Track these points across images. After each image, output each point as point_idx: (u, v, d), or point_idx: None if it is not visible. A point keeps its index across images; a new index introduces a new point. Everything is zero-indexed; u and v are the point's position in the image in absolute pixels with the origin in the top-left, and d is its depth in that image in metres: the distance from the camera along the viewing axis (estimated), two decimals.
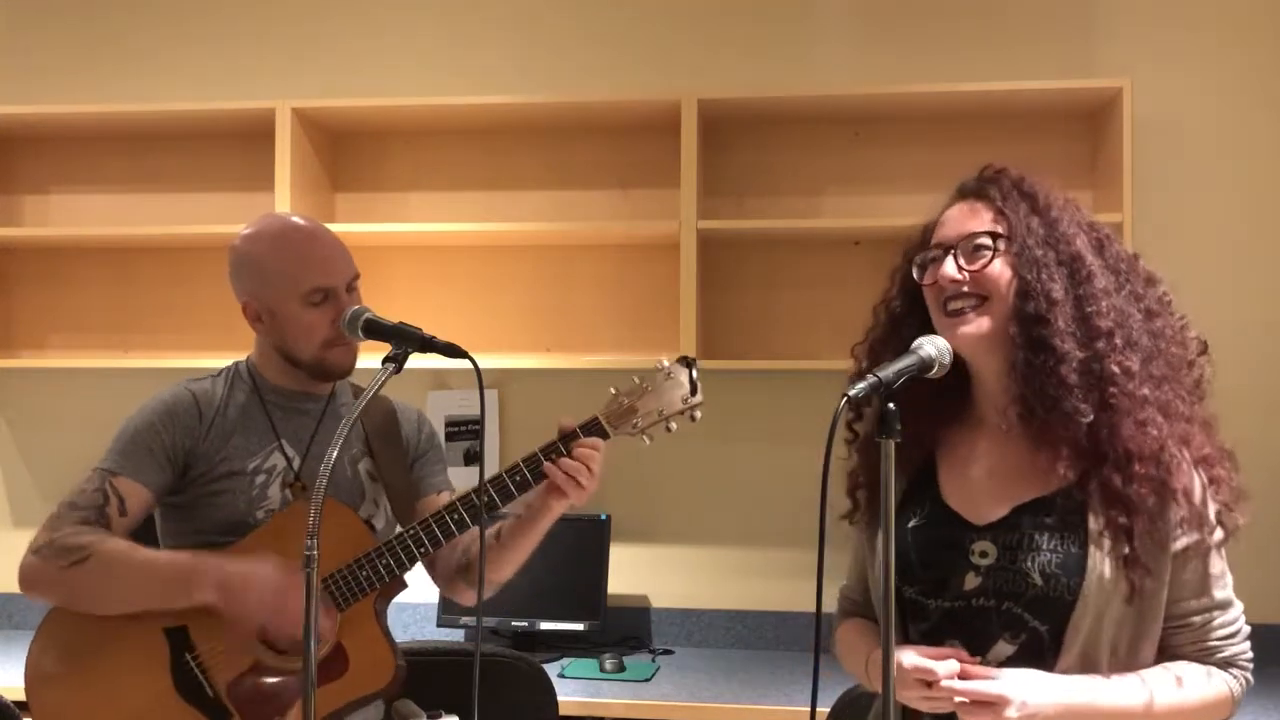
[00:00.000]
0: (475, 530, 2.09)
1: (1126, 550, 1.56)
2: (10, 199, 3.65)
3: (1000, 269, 1.64)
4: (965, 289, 1.65)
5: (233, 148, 3.50)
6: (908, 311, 1.75)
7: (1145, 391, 1.59)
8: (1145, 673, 1.60)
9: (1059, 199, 1.70)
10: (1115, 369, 1.58)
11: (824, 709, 2.22)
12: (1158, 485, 1.58)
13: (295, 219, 2.16)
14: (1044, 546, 1.60)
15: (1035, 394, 1.60)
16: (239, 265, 2.12)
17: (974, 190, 1.72)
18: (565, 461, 1.98)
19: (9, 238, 3.52)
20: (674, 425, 2.02)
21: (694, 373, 2.00)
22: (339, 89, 3.47)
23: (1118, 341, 1.60)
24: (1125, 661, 1.60)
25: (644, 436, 2.02)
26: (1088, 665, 1.59)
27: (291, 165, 3.26)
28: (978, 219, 1.68)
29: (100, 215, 3.59)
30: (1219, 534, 1.62)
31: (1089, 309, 1.61)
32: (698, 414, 2.02)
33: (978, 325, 1.64)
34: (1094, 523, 1.59)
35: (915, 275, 1.71)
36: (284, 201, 3.24)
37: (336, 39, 3.54)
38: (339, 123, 3.45)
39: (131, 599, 1.97)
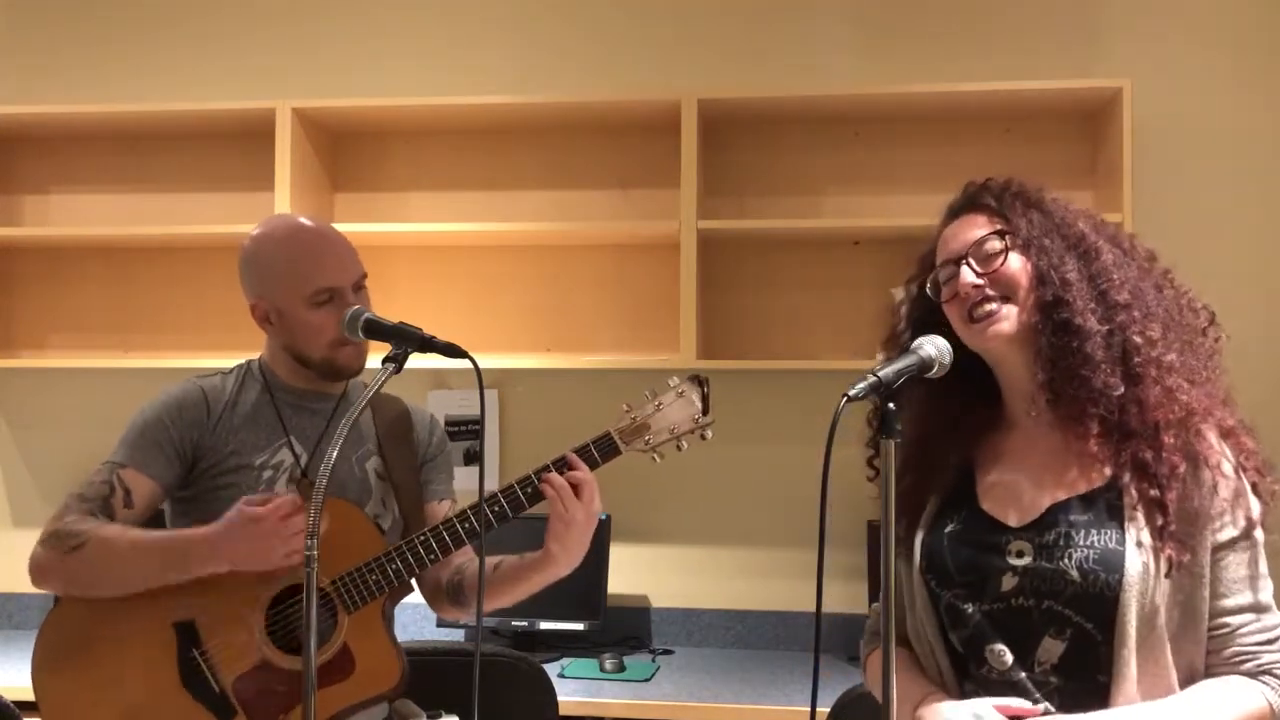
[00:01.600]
0: (469, 549, 2.12)
1: (1160, 522, 1.55)
2: (10, 199, 3.65)
3: (1016, 264, 1.66)
4: (988, 292, 1.66)
5: (233, 148, 3.50)
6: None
7: (1171, 357, 1.61)
8: (1163, 702, 1.56)
9: (1049, 193, 1.73)
10: (1138, 339, 1.60)
11: (824, 709, 2.22)
12: (1189, 453, 1.58)
13: (303, 220, 2.17)
14: (1080, 543, 1.60)
15: (1064, 375, 1.61)
16: (247, 266, 2.13)
17: (964, 205, 1.74)
18: (550, 476, 2.00)
19: (9, 238, 3.52)
20: (685, 444, 2.05)
21: (706, 391, 2.03)
22: (339, 89, 3.47)
23: (1136, 313, 1.62)
24: (1181, 673, 1.58)
25: (655, 454, 2.05)
26: (1150, 665, 1.56)
27: (291, 165, 3.26)
28: (977, 226, 1.70)
29: (100, 215, 3.59)
30: (1257, 532, 1.60)
31: (1103, 284, 1.63)
32: (708, 433, 2.05)
33: (1007, 322, 1.65)
34: (1129, 509, 1.58)
35: (932, 294, 1.72)
36: (284, 201, 3.24)
37: (336, 39, 3.55)
38: (339, 123, 3.45)
39: (131, 578, 1.97)
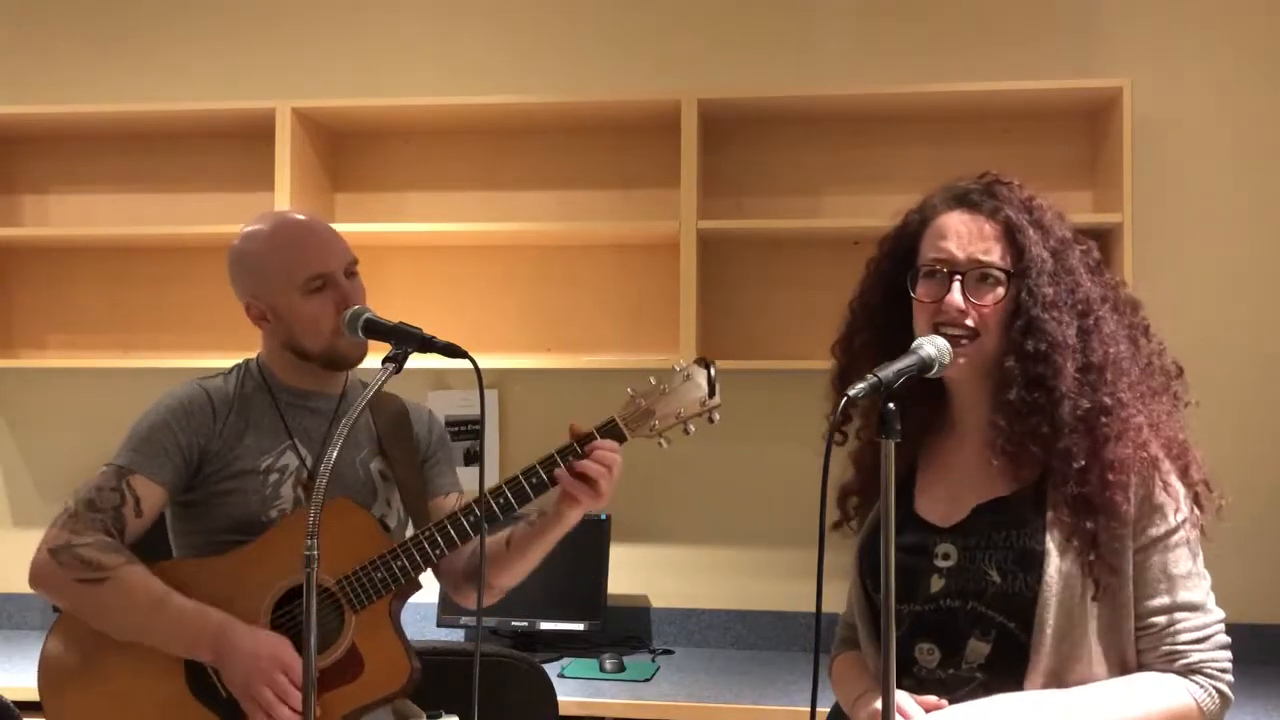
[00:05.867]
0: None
1: (1092, 556, 1.57)
2: (10, 199, 3.64)
3: (1001, 303, 1.64)
4: (966, 322, 1.64)
5: (233, 148, 3.50)
6: (884, 307, 1.76)
7: (1140, 419, 1.60)
8: (1087, 688, 1.58)
9: (1054, 216, 1.69)
10: (1109, 402, 1.59)
11: (824, 709, 2.21)
12: (1130, 492, 1.58)
13: (288, 213, 2.17)
14: (1000, 544, 1.62)
15: (1029, 432, 1.60)
16: (236, 266, 2.12)
17: (976, 203, 1.68)
18: (584, 464, 1.95)
19: (9, 238, 3.52)
20: (692, 428, 2.00)
21: (712, 373, 1.98)
22: (339, 89, 3.47)
23: (1109, 375, 1.60)
24: (1113, 667, 1.60)
25: (661, 440, 2.00)
26: (1070, 665, 1.58)
27: (291, 165, 3.26)
28: (985, 244, 1.65)
29: (100, 215, 3.59)
30: (1185, 532, 1.61)
31: (1094, 354, 1.61)
32: (716, 416, 1.99)
33: (966, 358, 1.64)
34: (1053, 522, 1.60)
35: (910, 288, 1.70)
36: (284, 201, 3.24)
37: (336, 39, 3.54)
38: (339, 123, 3.45)
39: (136, 634, 1.96)
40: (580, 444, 1.97)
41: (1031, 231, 1.64)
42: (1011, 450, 1.62)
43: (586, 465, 1.95)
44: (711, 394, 1.98)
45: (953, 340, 1.62)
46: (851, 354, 1.78)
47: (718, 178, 3.36)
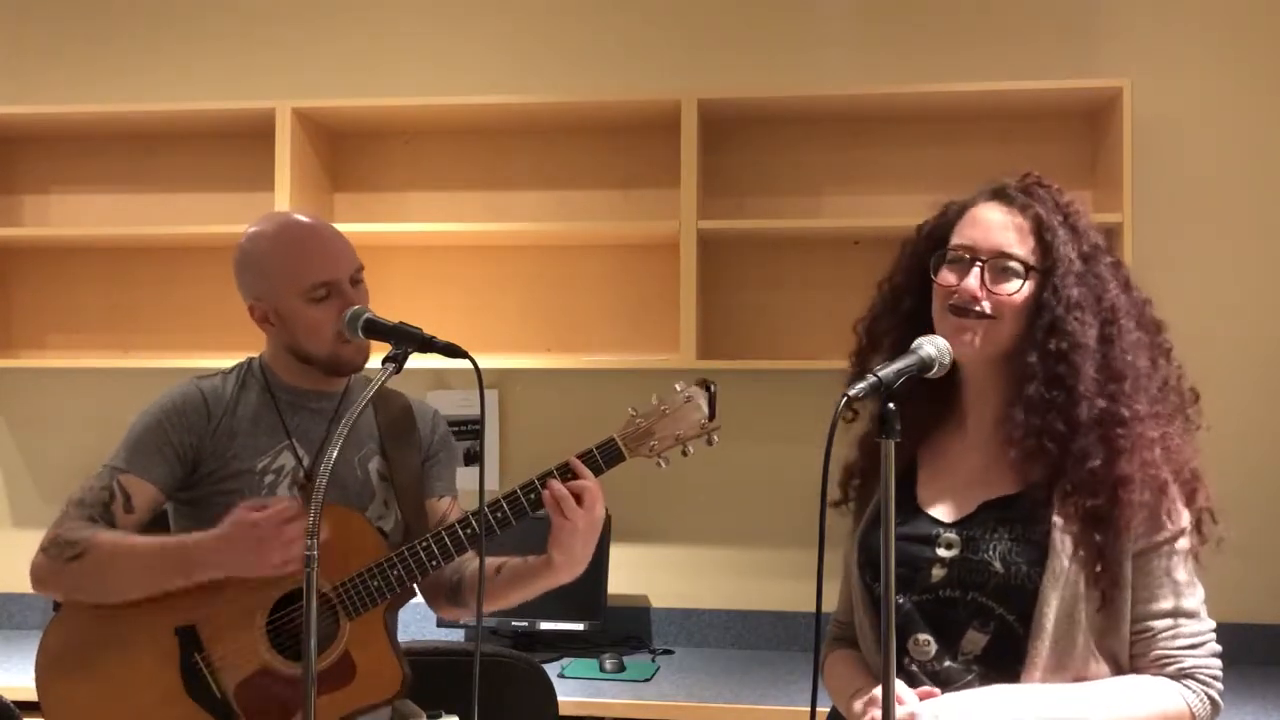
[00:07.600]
0: (472, 551, 2.07)
1: (1098, 568, 1.58)
2: (10, 199, 3.65)
3: (1020, 298, 1.65)
4: (980, 307, 1.65)
5: (233, 148, 3.50)
6: (912, 291, 1.77)
7: (1154, 435, 1.61)
8: (1083, 685, 1.59)
9: (1089, 223, 1.70)
10: (1125, 413, 1.60)
11: (824, 709, 2.22)
12: (1136, 508, 1.60)
13: (295, 215, 2.15)
14: (1005, 536, 1.63)
15: (1047, 428, 1.61)
16: (242, 267, 2.11)
17: (1011, 197, 1.70)
18: (554, 485, 1.96)
19: (9, 238, 3.52)
20: (690, 449, 2.01)
21: (713, 397, 2.00)
22: (339, 89, 3.47)
23: (1127, 386, 1.62)
24: (1109, 668, 1.61)
25: (659, 460, 2.01)
26: (1066, 662, 1.59)
27: (291, 165, 3.26)
28: (1013, 236, 1.66)
29: (100, 215, 3.59)
30: (1184, 541, 1.63)
31: (1115, 361, 1.62)
32: (715, 438, 2.01)
33: (982, 342, 1.65)
34: (1059, 524, 1.61)
35: (932, 270, 1.71)
36: (284, 202, 3.24)
37: (336, 39, 3.54)
38: (339, 123, 3.45)
39: (131, 585, 1.97)
40: (560, 469, 1.98)
41: (1062, 232, 1.66)
42: (1030, 445, 1.63)
43: (553, 486, 1.96)
44: (711, 416, 2.00)
45: (964, 313, 1.64)
46: (874, 334, 1.80)
47: (718, 178, 3.36)
